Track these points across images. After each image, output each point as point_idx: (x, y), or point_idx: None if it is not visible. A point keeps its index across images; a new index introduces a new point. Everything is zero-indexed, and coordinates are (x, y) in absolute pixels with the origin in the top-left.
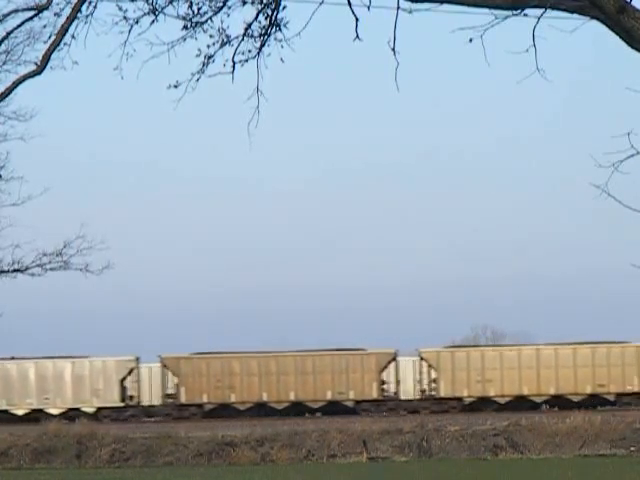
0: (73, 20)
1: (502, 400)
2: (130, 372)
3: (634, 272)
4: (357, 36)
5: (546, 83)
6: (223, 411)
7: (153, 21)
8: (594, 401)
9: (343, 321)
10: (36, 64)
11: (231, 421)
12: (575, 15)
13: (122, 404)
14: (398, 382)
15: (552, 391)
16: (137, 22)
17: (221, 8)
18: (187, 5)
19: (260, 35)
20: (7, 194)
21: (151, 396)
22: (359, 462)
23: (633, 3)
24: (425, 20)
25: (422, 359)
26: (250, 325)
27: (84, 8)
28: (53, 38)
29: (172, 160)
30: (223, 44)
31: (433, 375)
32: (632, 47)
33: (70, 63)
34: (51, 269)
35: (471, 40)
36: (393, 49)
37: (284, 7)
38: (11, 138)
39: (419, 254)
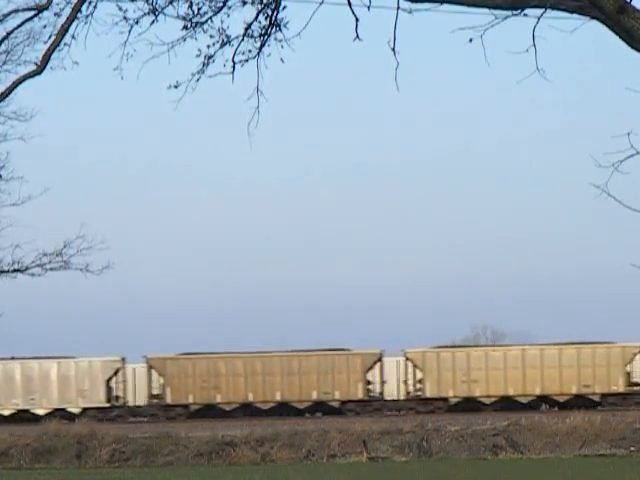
0: (73, 20)
1: (488, 400)
2: (116, 372)
3: (634, 272)
4: (357, 36)
5: (546, 83)
6: (209, 411)
7: (153, 21)
8: (579, 402)
9: (343, 321)
10: (36, 64)
11: (231, 421)
12: (575, 15)
13: (108, 404)
14: (383, 382)
15: (537, 391)
16: (137, 22)
17: (221, 8)
18: (187, 5)
19: (260, 35)
20: (7, 194)
21: (136, 396)
22: (359, 462)
23: (633, 3)
24: (425, 20)
25: (407, 359)
26: (250, 325)
27: (84, 8)
28: (53, 38)
29: (172, 160)
30: (223, 44)
31: (419, 375)
32: (632, 47)
33: (70, 63)
34: (51, 269)
35: (471, 40)
36: (393, 49)
37: (284, 7)
38: (11, 138)
39: (419, 254)
